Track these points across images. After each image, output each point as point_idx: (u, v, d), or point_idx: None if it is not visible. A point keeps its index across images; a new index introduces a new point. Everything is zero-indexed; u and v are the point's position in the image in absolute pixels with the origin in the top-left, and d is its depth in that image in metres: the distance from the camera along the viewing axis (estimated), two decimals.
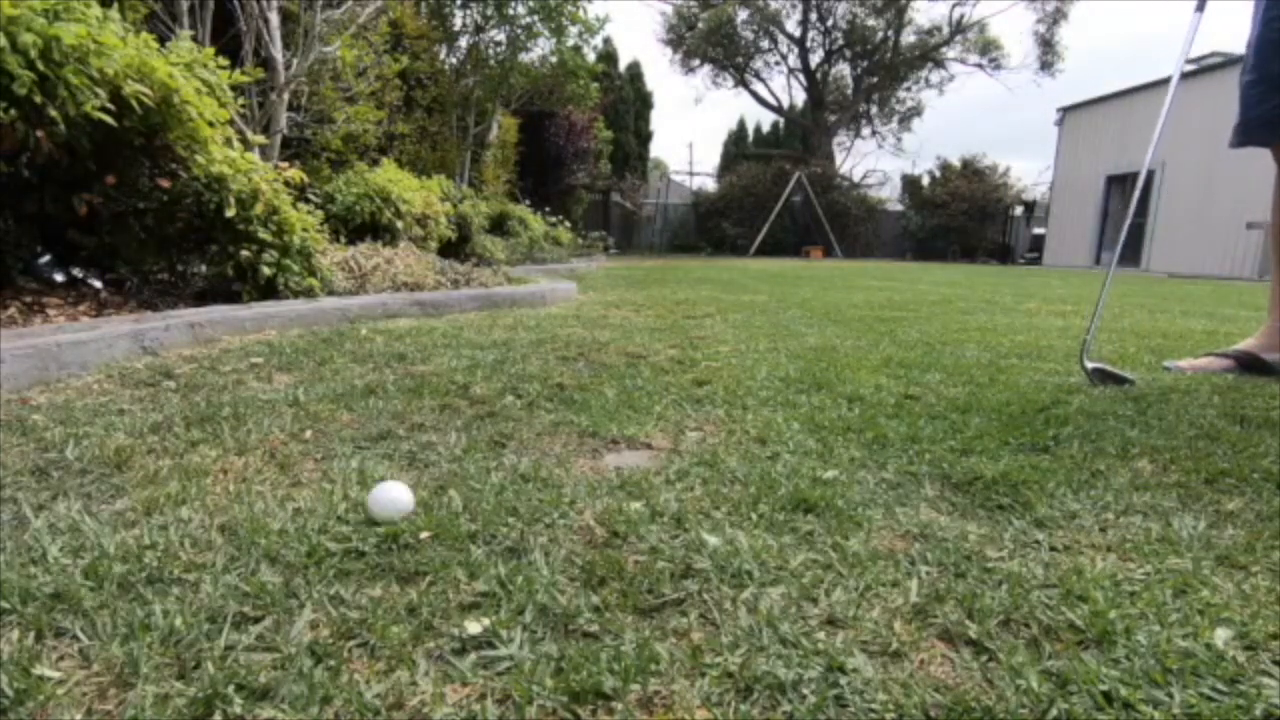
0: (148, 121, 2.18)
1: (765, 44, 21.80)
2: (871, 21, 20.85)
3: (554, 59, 7.87)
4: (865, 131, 22.88)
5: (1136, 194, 2.09)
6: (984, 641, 0.58)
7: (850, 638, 0.58)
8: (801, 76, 21.85)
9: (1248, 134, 1.82)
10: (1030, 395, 1.50)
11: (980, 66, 21.39)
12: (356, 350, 1.92)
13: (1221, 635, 0.59)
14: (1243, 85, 1.82)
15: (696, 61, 21.73)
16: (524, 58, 7.74)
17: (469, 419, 1.26)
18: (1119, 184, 15.42)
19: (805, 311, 3.36)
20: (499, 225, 6.94)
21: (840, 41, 21.28)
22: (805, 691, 0.51)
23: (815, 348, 2.15)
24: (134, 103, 2.08)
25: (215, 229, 2.34)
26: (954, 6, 23.11)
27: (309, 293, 2.60)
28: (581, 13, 7.54)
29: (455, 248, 4.95)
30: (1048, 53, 20.48)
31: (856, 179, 21.10)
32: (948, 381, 1.65)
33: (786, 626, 0.59)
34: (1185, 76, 12.91)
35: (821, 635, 0.58)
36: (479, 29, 7.37)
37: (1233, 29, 1.86)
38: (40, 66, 1.84)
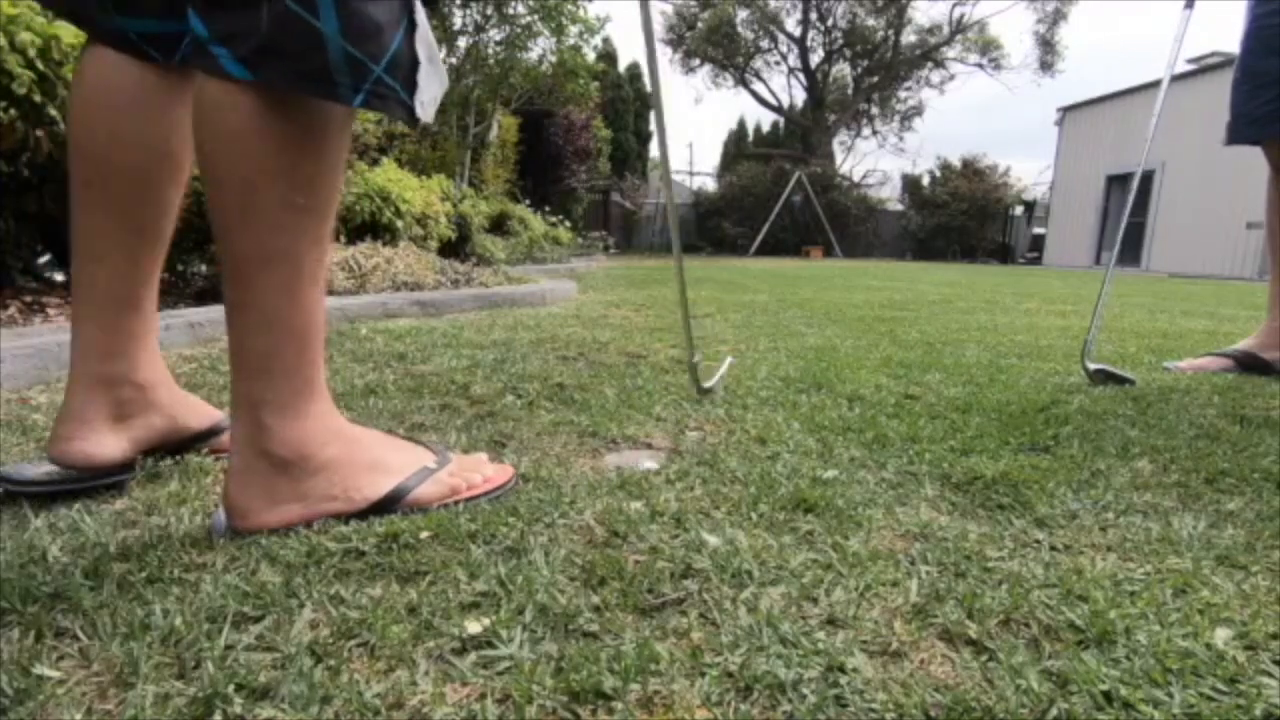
0: None
1: (765, 44, 21.79)
2: (871, 21, 20.85)
3: (553, 58, 7.87)
4: (865, 131, 22.88)
5: (1132, 194, 2.09)
6: (984, 641, 0.58)
7: (850, 637, 0.58)
8: (801, 76, 21.85)
9: (1236, 132, 1.83)
10: (1030, 395, 1.50)
11: (980, 66, 21.39)
12: (356, 350, 1.92)
13: (1221, 635, 0.59)
14: (1232, 84, 1.83)
15: (696, 61, 21.72)
16: (523, 57, 7.74)
17: (469, 419, 1.26)
18: (1119, 184, 15.41)
19: (805, 311, 3.36)
20: (499, 225, 6.94)
21: (840, 41, 21.27)
22: (805, 691, 0.51)
23: (815, 347, 2.15)
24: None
25: None
26: (954, 6, 23.14)
27: None
28: (582, 12, 7.54)
29: (455, 247, 4.95)
30: (1048, 53, 20.48)
31: (857, 179, 21.09)
32: (948, 381, 1.65)
33: (786, 626, 0.59)
34: (1186, 76, 12.90)
35: (821, 635, 0.58)
36: (479, 29, 7.36)
37: (1235, 29, 1.86)
38: (40, 65, 1.84)
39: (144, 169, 0.86)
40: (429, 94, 0.76)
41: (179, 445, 0.98)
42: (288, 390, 0.77)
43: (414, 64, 0.75)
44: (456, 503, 0.85)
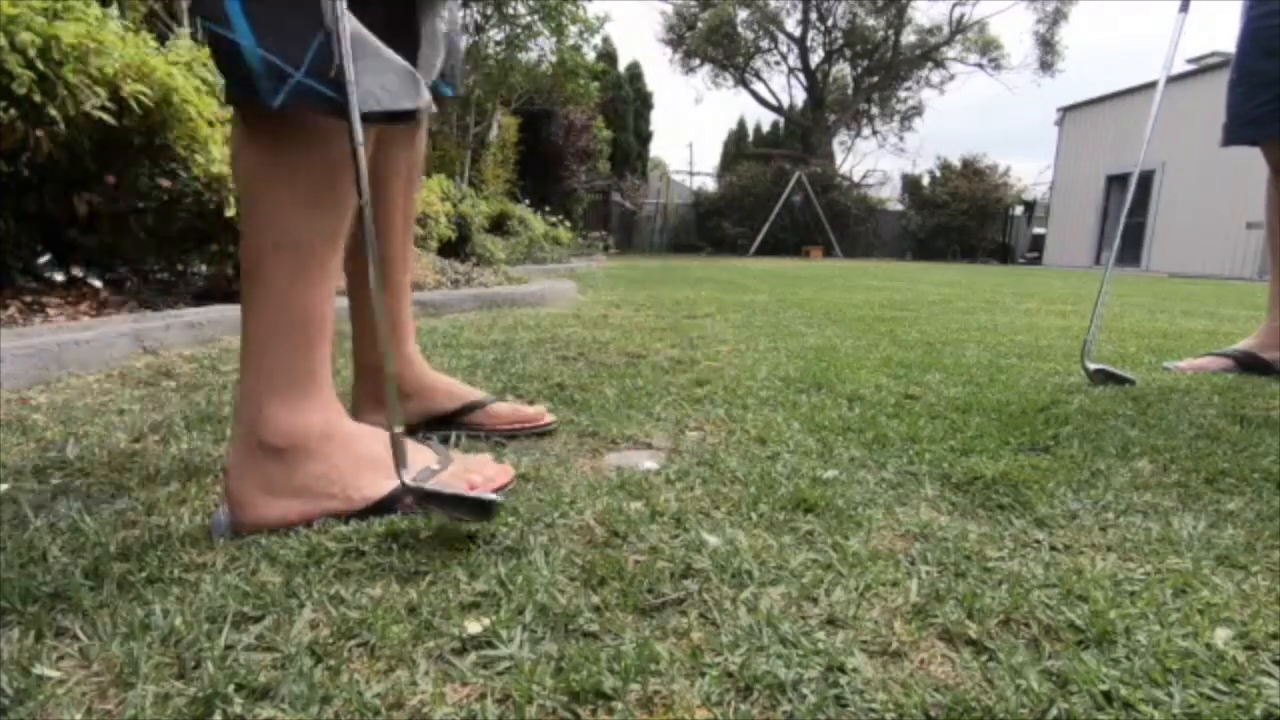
0: (147, 121, 2.18)
1: (765, 44, 21.78)
2: (872, 21, 20.84)
3: (553, 58, 7.87)
4: (865, 131, 22.86)
5: (1130, 195, 2.09)
6: (984, 641, 0.58)
7: (850, 637, 0.58)
8: (801, 76, 21.84)
9: (1233, 133, 1.82)
10: (1030, 395, 1.50)
11: (980, 66, 21.39)
12: None
13: (1221, 635, 0.59)
14: (1228, 85, 1.83)
15: (696, 61, 21.71)
16: (523, 57, 7.74)
17: None
18: (1119, 184, 15.39)
19: (805, 311, 3.36)
20: (499, 225, 6.94)
21: (840, 41, 21.26)
22: (805, 691, 0.51)
23: (815, 347, 2.15)
24: (133, 102, 2.08)
25: (215, 229, 2.34)
26: (954, 6, 23.13)
27: None
28: (582, 12, 7.54)
29: (455, 248, 4.95)
30: (1048, 53, 20.48)
31: (857, 179, 21.07)
32: (948, 381, 1.65)
33: (786, 626, 0.59)
34: (1185, 76, 12.85)
35: (821, 635, 0.58)
36: (479, 28, 7.37)
37: (1233, 29, 1.85)
38: (39, 65, 1.84)
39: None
40: (373, 83, 0.74)
41: (436, 423, 1.14)
42: (288, 380, 0.79)
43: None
44: None
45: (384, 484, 0.82)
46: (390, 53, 0.76)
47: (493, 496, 0.71)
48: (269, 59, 0.72)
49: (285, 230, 0.77)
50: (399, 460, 0.77)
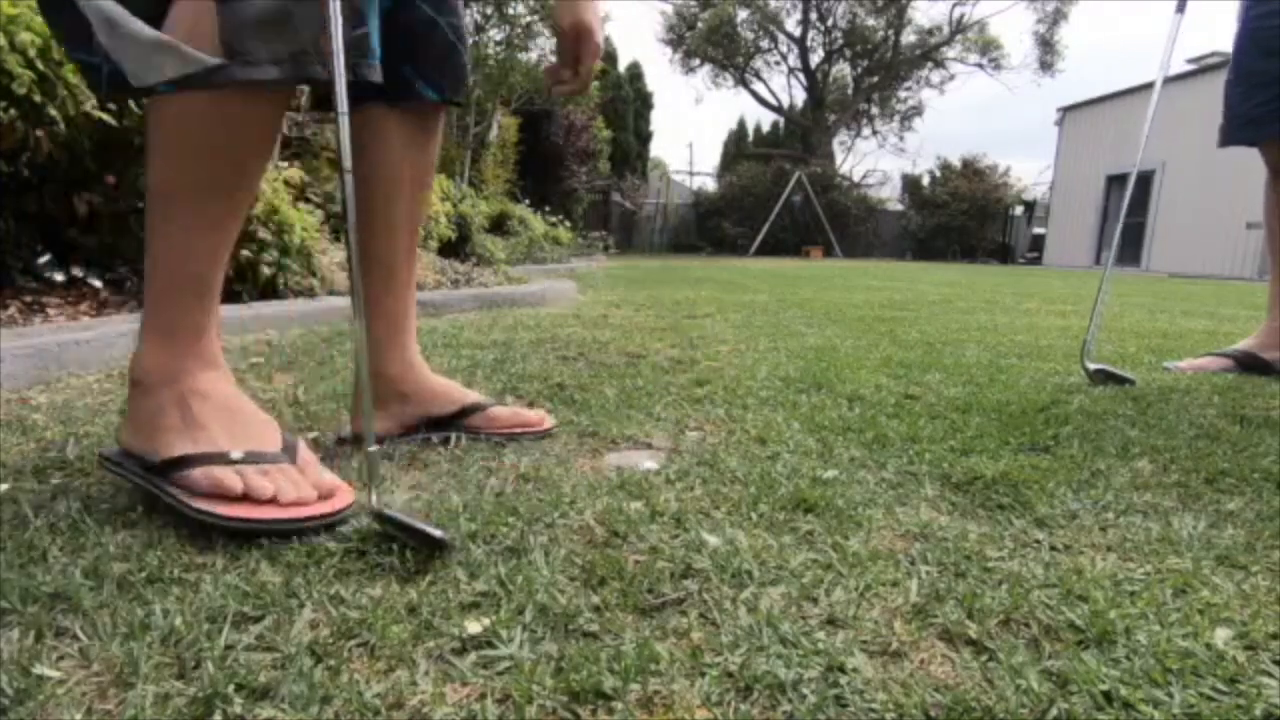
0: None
1: (765, 44, 21.78)
2: (872, 21, 20.85)
3: (554, 58, 7.86)
4: (866, 131, 22.85)
5: (1128, 195, 2.09)
6: (984, 641, 0.58)
7: (850, 637, 0.58)
8: (801, 76, 21.84)
9: (1231, 134, 1.82)
10: (1030, 395, 1.50)
11: (980, 66, 21.40)
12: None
13: (1221, 635, 0.59)
14: (1226, 85, 1.83)
15: (696, 61, 21.71)
16: (523, 57, 7.74)
17: None
18: (1119, 184, 15.39)
19: (805, 311, 3.36)
20: (499, 225, 6.93)
21: (840, 41, 21.26)
22: (805, 691, 0.51)
23: (815, 347, 2.15)
24: (133, 102, 2.08)
25: None
26: (954, 6, 23.12)
27: (309, 292, 2.60)
28: None
29: (455, 248, 4.95)
30: (1048, 53, 20.50)
31: (857, 179, 21.06)
32: (948, 381, 1.65)
33: (786, 626, 0.59)
34: (1185, 76, 12.87)
35: (821, 635, 0.58)
36: (479, 29, 7.36)
37: (1233, 29, 1.85)
38: (39, 65, 1.84)
39: (360, 190, 0.94)
40: (138, 62, 0.74)
41: (435, 425, 1.13)
42: (151, 319, 0.87)
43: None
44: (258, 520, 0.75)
45: (177, 446, 0.79)
46: (140, 24, 0.75)
47: (442, 535, 0.68)
48: (78, 58, 0.77)
49: (155, 175, 0.84)
50: (372, 481, 0.74)
